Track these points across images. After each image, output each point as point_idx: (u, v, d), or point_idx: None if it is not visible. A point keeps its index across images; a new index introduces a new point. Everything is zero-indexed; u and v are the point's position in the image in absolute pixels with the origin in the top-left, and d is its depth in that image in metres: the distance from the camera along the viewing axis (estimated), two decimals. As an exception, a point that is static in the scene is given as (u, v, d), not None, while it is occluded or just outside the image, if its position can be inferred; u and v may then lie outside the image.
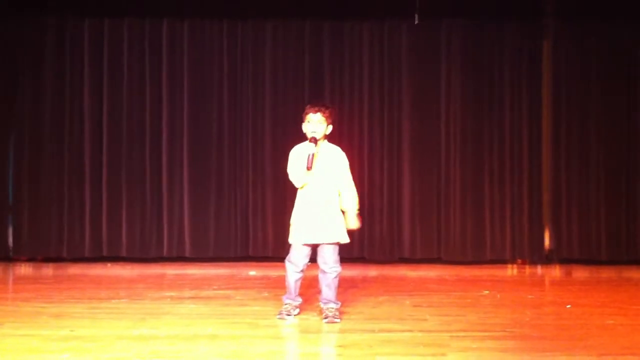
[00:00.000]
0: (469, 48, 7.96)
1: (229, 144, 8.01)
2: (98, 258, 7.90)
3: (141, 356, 3.82)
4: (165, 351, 3.92)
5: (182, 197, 7.99)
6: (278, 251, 7.41)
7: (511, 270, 7.60)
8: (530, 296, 5.81)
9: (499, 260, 7.86)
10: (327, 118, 4.70)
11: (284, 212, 6.50)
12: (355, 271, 7.22)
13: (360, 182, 7.90)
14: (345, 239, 4.76)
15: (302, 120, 4.79)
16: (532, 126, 7.96)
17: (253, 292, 5.86)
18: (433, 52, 8.01)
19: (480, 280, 6.68)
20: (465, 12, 7.91)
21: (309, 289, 5.21)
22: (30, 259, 8.01)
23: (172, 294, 5.81)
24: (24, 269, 7.63)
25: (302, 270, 4.77)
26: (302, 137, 4.86)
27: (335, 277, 4.72)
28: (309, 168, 4.58)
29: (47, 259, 7.92)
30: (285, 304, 4.83)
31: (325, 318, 4.66)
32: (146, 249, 7.94)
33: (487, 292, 5.93)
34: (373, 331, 4.41)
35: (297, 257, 4.72)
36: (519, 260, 7.92)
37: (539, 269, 7.66)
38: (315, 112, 4.69)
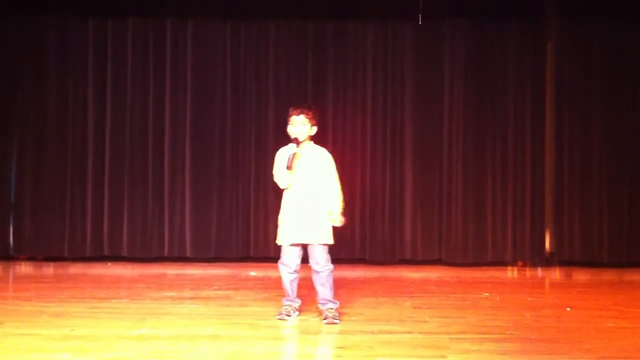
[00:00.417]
0: (471, 49, 7.97)
1: (231, 144, 8.02)
2: (99, 257, 7.91)
3: (141, 356, 3.82)
4: (166, 351, 3.92)
5: (183, 197, 8.00)
6: (279, 252, 7.36)
7: (512, 273, 7.60)
8: (530, 298, 5.81)
9: (500, 262, 7.86)
10: (310, 119, 4.72)
11: (285, 213, 6.49)
12: (356, 272, 7.23)
13: (362, 183, 7.94)
14: (331, 240, 4.75)
15: (287, 123, 4.80)
16: (534, 127, 7.97)
17: (253, 293, 5.87)
18: (436, 53, 8.02)
19: (480, 282, 6.68)
20: (468, 13, 7.93)
21: (308, 290, 5.21)
22: (31, 258, 8.02)
23: (173, 294, 5.81)
24: (25, 268, 7.64)
25: (295, 271, 4.78)
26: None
27: (329, 274, 4.73)
28: (289, 167, 4.62)
29: (48, 258, 7.94)
30: (285, 306, 4.84)
31: (325, 319, 4.66)
32: (147, 249, 7.96)
33: (487, 294, 5.93)
34: (373, 332, 4.41)
35: (288, 258, 4.76)
36: (520, 263, 7.93)
37: (540, 271, 7.66)
38: (298, 114, 4.72)
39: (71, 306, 5.20)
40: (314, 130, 4.77)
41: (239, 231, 7.99)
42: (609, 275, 7.33)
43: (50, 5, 7.95)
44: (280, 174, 4.74)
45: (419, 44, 8.02)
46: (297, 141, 4.68)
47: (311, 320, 4.77)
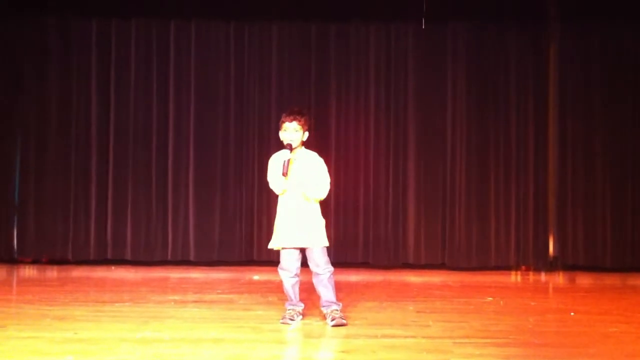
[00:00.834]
0: (474, 51, 7.98)
1: (234, 146, 8.03)
2: (102, 261, 7.92)
3: (144, 359, 3.82)
4: (169, 354, 3.92)
5: (187, 200, 8.01)
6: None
7: (515, 277, 7.59)
8: (533, 303, 5.79)
9: (503, 267, 7.86)
10: (302, 125, 4.74)
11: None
12: (360, 276, 7.23)
13: (365, 186, 7.94)
14: (327, 242, 4.77)
15: (279, 129, 4.81)
16: (537, 130, 7.97)
17: (257, 297, 5.88)
18: (438, 55, 8.03)
19: (483, 287, 6.67)
20: (471, 16, 7.94)
21: (309, 294, 5.21)
22: (35, 261, 8.03)
23: (176, 297, 5.82)
24: (29, 271, 7.65)
25: (296, 275, 4.80)
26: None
27: (330, 277, 4.74)
28: (284, 174, 4.63)
29: (52, 261, 7.95)
30: (288, 310, 4.84)
31: (332, 320, 4.66)
32: (151, 252, 7.97)
33: (490, 298, 5.92)
34: (376, 336, 4.41)
35: (287, 263, 4.78)
36: (523, 267, 7.92)
37: (543, 276, 7.65)
38: (291, 120, 4.73)
39: (74, 309, 5.21)
40: (306, 135, 4.79)
41: (243, 234, 8.00)
42: (612, 279, 7.31)
43: (51, 5, 7.98)
44: (275, 181, 4.76)
45: (422, 47, 8.04)
46: (290, 147, 4.69)
47: (314, 324, 4.77)
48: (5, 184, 8.01)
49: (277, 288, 6.10)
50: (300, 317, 4.84)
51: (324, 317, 4.76)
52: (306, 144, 4.87)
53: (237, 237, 7.99)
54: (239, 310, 5.32)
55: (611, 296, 6.33)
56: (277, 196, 4.88)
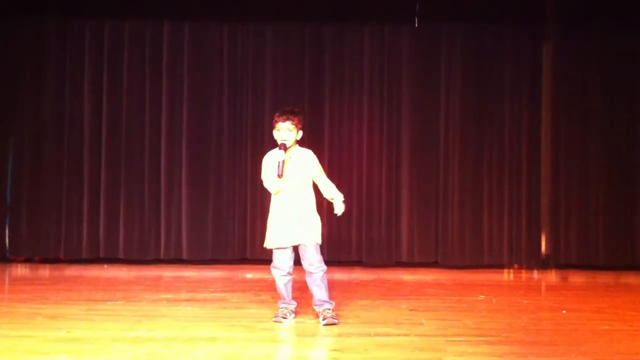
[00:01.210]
0: (468, 52, 7.99)
1: (228, 147, 8.02)
2: (95, 259, 7.91)
3: (137, 358, 3.82)
4: (162, 353, 3.92)
5: (180, 199, 7.99)
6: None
7: (508, 275, 7.61)
8: (526, 301, 5.81)
9: (496, 265, 7.88)
10: (296, 125, 4.74)
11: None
12: (353, 275, 7.24)
13: (359, 185, 7.94)
14: (320, 240, 4.78)
15: (273, 128, 4.81)
16: (530, 130, 7.98)
17: (250, 295, 5.88)
18: (433, 56, 8.03)
19: (476, 285, 6.69)
20: (465, 17, 7.94)
21: (301, 292, 5.21)
22: (27, 260, 8.01)
23: (169, 296, 5.81)
24: (21, 270, 7.62)
25: (289, 273, 4.80)
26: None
27: (323, 276, 4.74)
28: (279, 175, 4.62)
29: (44, 260, 7.93)
30: (281, 308, 4.84)
31: (324, 319, 4.66)
32: (143, 251, 7.95)
33: (483, 296, 5.94)
34: (369, 335, 4.42)
35: (280, 262, 4.78)
36: (516, 265, 7.94)
37: (536, 274, 7.67)
38: (284, 120, 4.73)
39: (67, 308, 5.20)
40: (300, 134, 4.79)
41: (236, 233, 7.99)
42: (604, 278, 7.33)
43: (50, 6, 7.94)
44: (270, 181, 4.75)
45: (416, 47, 8.03)
46: (284, 147, 4.69)
47: (307, 322, 4.78)
48: (-3, 182, 7.98)
49: (270, 286, 6.09)
50: (293, 315, 4.85)
51: (317, 316, 4.76)
52: (300, 143, 4.86)
53: (230, 235, 7.98)
54: (232, 308, 5.32)
55: (603, 294, 6.35)
56: (270, 194, 4.87)
